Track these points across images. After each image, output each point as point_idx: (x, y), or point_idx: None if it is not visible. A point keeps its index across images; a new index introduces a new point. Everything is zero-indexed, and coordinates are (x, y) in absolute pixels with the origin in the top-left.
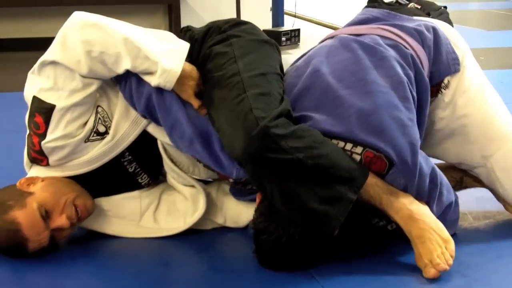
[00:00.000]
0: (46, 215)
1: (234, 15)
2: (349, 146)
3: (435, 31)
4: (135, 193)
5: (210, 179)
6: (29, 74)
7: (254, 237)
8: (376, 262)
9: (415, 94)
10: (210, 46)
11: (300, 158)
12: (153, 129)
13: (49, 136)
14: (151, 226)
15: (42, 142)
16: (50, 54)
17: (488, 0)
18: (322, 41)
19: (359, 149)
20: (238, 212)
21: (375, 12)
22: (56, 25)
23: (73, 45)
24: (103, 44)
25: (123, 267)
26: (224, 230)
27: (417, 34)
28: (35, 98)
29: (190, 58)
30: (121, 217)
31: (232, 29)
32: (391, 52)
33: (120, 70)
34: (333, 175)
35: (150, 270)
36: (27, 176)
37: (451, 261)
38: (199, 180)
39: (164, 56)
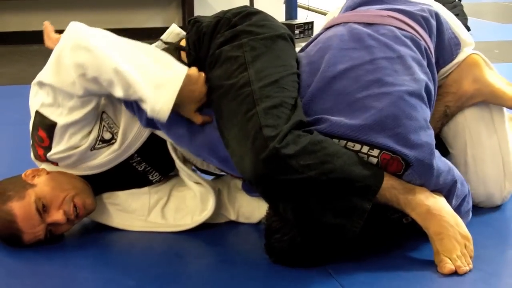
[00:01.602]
0: (43, 209)
1: None
2: (365, 149)
3: (437, 17)
4: (145, 189)
5: (223, 173)
6: (32, 85)
7: (266, 234)
8: (391, 257)
9: (432, 88)
10: (219, 44)
11: (312, 175)
12: (161, 132)
13: (54, 150)
14: (158, 221)
15: (48, 155)
16: (46, 75)
17: None
18: (329, 27)
19: (376, 152)
20: (251, 209)
21: None
22: (70, 17)
23: (67, 67)
24: (96, 69)
25: (136, 259)
26: (237, 223)
27: (424, 22)
28: (37, 113)
29: (198, 54)
30: (129, 212)
31: (242, 23)
32: (408, 50)
33: (115, 94)
34: (347, 187)
35: (164, 262)
36: (33, 168)
37: (471, 265)
38: (213, 174)
39: (155, 91)
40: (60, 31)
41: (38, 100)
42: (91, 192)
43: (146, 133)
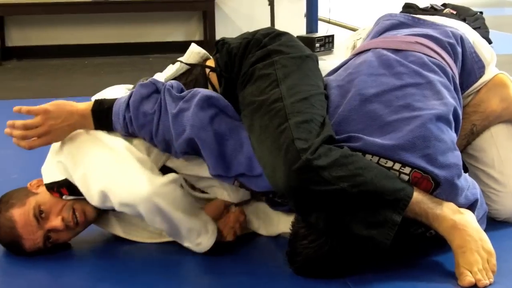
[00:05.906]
0: (41, 215)
1: (268, 22)
2: (397, 166)
3: (462, 41)
4: None
5: (242, 200)
6: (79, 173)
7: (291, 240)
8: (410, 269)
9: (460, 112)
10: (251, 63)
11: (345, 187)
12: (172, 163)
13: (71, 197)
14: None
15: (63, 197)
16: (114, 194)
17: None
18: (357, 53)
19: (407, 170)
20: (275, 222)
21: (399, 17)
22: (92, 31)
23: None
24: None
25: (155, 271)
26: (254, 235)
27: (450, 49)
28: (67, 181)
29: (230, 74)
30: (137, 223)
31: (272, 43)
32: (437, 76)
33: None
34: (378, 200)
35: (177, 272)
36: (39, 178)
37: (492, 279)
38: None
39: (197, 240)
40: (81, 46)
41: (78, 175)
42: None
43: (158, 164)
